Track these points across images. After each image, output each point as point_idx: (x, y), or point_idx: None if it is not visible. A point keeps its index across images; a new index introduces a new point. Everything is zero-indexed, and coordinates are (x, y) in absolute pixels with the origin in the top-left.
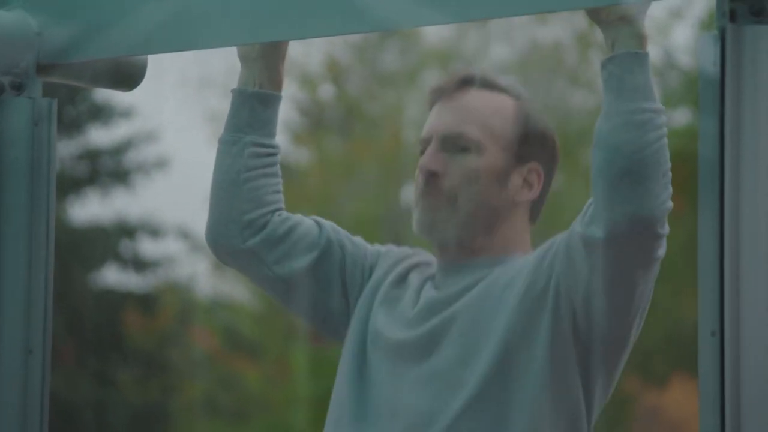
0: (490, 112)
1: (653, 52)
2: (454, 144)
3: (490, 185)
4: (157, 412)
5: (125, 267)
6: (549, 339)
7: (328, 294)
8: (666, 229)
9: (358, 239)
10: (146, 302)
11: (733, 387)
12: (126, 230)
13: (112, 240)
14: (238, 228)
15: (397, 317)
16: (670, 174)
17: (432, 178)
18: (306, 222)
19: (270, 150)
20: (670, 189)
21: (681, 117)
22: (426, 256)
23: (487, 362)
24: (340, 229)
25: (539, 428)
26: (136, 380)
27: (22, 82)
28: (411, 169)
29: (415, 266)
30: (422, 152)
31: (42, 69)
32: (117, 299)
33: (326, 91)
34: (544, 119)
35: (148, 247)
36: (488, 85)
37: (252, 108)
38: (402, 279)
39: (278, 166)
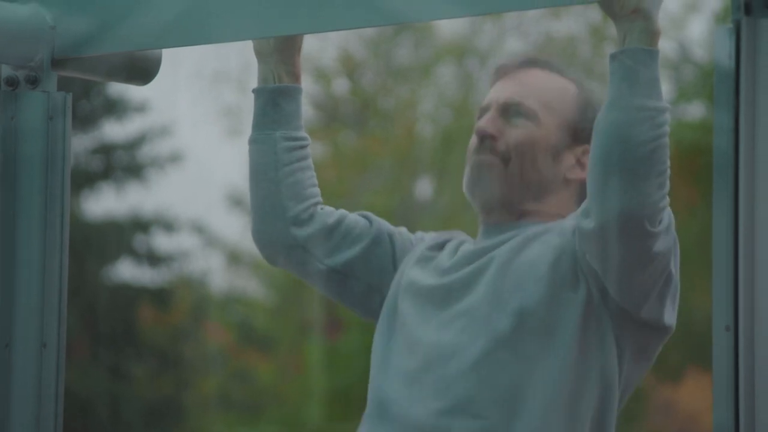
0: (550, 90)
1: (668, 45)
2: (512, 111)
3: (543, 156)
4: (171, 406)
5: (139, 261)
6: (583, 302)
7: (382, 281)
8: (661, 226)
9: (403, 229)
10: (160, 297)
11: (746, 382)
12: (140, 225)
13: (126, 234)
14: (284, 225)
15: (431, 269)
16: (667, 173)
17: (487, 139)
18: (351, 215)
19: (301, 142)
20: (666, 188)
21: (695, 110)
22: (464, 235)
23: (520, 311)
24: (385, 221)
25: (564, 388)
26: (149, 375)
27: (37, 76)
28: (425, 164)
29: (453, 238)
30: (479, 119)
31: (57, 63)
32: (131, 294)
33: (341, 85)
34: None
35: (162, 242)
36: (553, 68)
37: (276, 104)
38: (439, 246)
39: (310, 159)
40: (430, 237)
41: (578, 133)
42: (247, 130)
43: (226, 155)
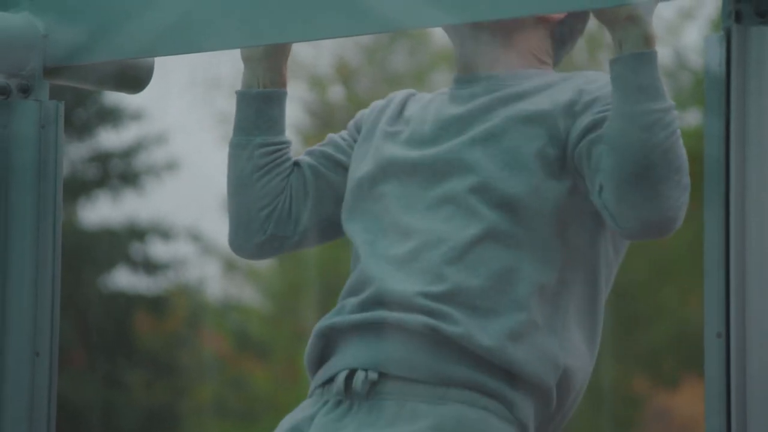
0: None
1: (664, 52)
2: None
3: None
4: (167, 414)
5: (136, 269)
6: (569, 189)
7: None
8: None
9: (330, 137)
10: (156, 305)
11: (738, 389)
12: (136, 233)
13: (122, 242)
14: (259, 224)
15: (408, 137)
16: (684, 167)
17: None
18: (293, 178)
19: (279, 146)
20: (686, 183)
21: (691, 118)
22: (408, 90)
23: (507, 197)
24: (315, 149)
25: (555, 273)
26: (145, 382)
27: (29, 85)
28: None
29: (406, 99)
30: None
31: (49, 71)
32: (127, 302)
33: (336, 92)
34: None
35: (158, 250)
36: None
37: (258, 109)
38: (398, 115)
39: (290, 158)
40: (374, 109)
41: None
42: None
43: (222, 163)
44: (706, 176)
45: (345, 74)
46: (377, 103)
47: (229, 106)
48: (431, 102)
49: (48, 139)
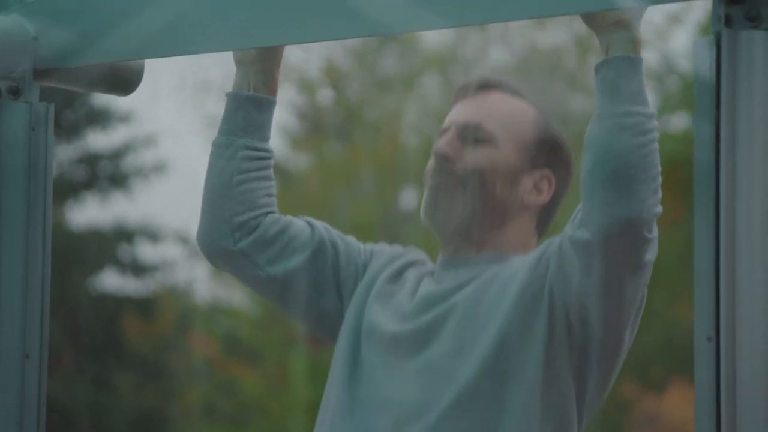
0: (509, 113)
1: (652, 56)
2: (471, 134)
3: (501, 181)
4: (156, 417)
5: (124, 272)
6: (544, 340)
7: (322, 293)
8: (654, 232)
9: (350, 238)
10: (145, 307)
11: (728, 393)
12: (125, 235)
13: (110, 244)
14: (229, 230)
15: (393, 310)
16: (660, 179)
17: (445, 162)
18: (298, 222)
19: (263, 154)
20: (660, 194)
21: (679, 122)
22: (420, 254)
23: (482, 357)
24: (332, 228)
25: (530, 427)
26: (134, 385)
27: (19, 87)
28: (410, 175)
29: (411, 264)
30: (438, 140)
31: (39, 74)
32: (115, 304)
33: (325, 96)
34: (563, 134)
35: (146, 252)
36: (513, 91)
37: (246, 112)
38: (398, 275)
39: (271, 170)
40: (384, 255)
41: (536, 158)
42: None
43: None
44: (696, 180)
45: (334, 78)
46: (388, 251)
47: (217, 109)
48: (422, 278)
49: (38, 141)
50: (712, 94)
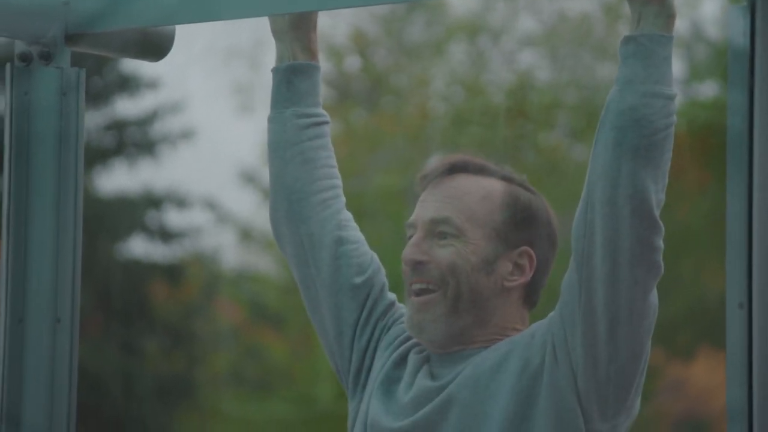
0: (474, 199)
1: (681, 24)
2: (438, 230)
3: (475, 273)
4: (183, 382)
5: (151, 238)
6: (548, 413)
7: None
8: (661, 226)
9: (386, 283)
10: (172, 273)
11: (760, 359)
12: (152, 201)
13: (138, 211)
14: (289, 204)
15: (392, 404)
16: (668, 165)
17: (417, 266)
18: (375, 264)
19: (314, 120)
20: (666, 180)
21: (708, 90)
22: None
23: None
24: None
25: None
26: (162, 351)
27: (51, 52)
28: (437, 141)
29: (415, 345)
30: (409, 238)
31: (70, 39)
32: (143, 270)
33: (352, 63)
34: (538, 201)
35: (174, 218)
36: (476, 170)
37: (289, 81)
38: (402, 359)
39: (328, 137)
40: (397, 329)
41: (510, 238)
42: (259, 107)
43: (238, 132)
44: (729, 148)
45: (362, 45)
46: (400, 327)
47: (246, 75)
48: (421, 367)
49: (69, 106)
50: (745, 61)
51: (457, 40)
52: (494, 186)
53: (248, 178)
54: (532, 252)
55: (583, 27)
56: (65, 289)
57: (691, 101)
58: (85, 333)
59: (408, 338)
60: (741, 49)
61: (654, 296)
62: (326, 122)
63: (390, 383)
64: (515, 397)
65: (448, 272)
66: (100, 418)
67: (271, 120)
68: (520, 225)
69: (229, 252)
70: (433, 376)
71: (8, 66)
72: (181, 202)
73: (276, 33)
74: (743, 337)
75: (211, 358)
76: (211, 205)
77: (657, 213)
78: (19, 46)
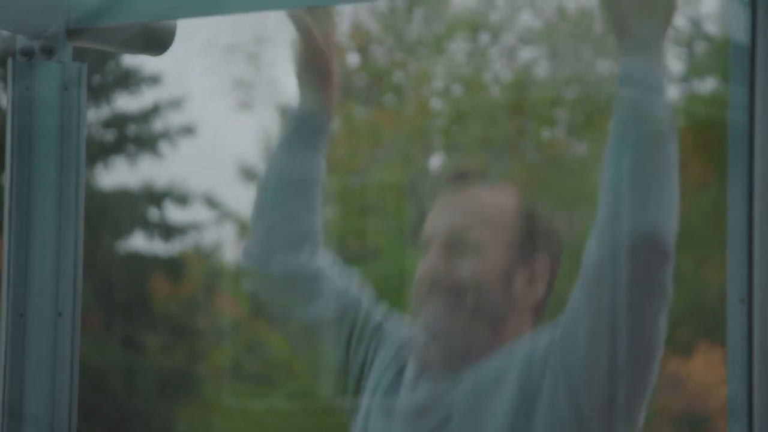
0: (490, 211)
1: (680, 20)
2: (455, 245)
3: (495, 287)
4: (184, 376)
5: (152, 233)
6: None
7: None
8: (672, 247)
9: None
10: (173, 268)
11: (761, 354)
12: (153, 197)
13: (139, 206)
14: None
15: (392, 418)
16: (677, 196)
17: (435, 283)
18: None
19: (306, 171)
20: (676, 190)
21: (707, 85)
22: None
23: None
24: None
25: None
26: (162, 345)
27: (52, 47)
28: (437, 138)
29: (415, 355)
30: (423, 253)
31: (72, 33)
32: (144, 265)
33: (352, 59)
34: (547, 211)
35: (174, 214)
36: (488, 180)
37: (295, 131)
38: (401, 371)
39: (317, 198)
40: (394, 340)
41: (527, 246)
42: (260, 104)
43: (239, 128)
44: (731, 143)
45: (361, 41)
46: (396, 336)
47: (247, 71)
48: (419, 377)
49: (71, 101)
50: (747, 56)
51: (457, 36)
52: (507, 196)
53: (248, 175)
54: (547, 264)
55: (582, 22)
56: (67, 283)
57: (691, 95)
58: (85, 327)
59: (406, 348)
60: (742, 44)
61: (663, 322)
62: (318, 177)
63: (391, 393)
64: (512, 416)
65: (464, 286)
66: (102, 413)
67: (264, 178)
68: (536, 233)
69: (229, 247)
70: (433, 389)
71: (10, 61)
72: (181, 198)
73: (296, 77)
74: (744, 333)
75: (213, 352)
76: (211, 201)
77: (669, 240)
78: (21, 41)
